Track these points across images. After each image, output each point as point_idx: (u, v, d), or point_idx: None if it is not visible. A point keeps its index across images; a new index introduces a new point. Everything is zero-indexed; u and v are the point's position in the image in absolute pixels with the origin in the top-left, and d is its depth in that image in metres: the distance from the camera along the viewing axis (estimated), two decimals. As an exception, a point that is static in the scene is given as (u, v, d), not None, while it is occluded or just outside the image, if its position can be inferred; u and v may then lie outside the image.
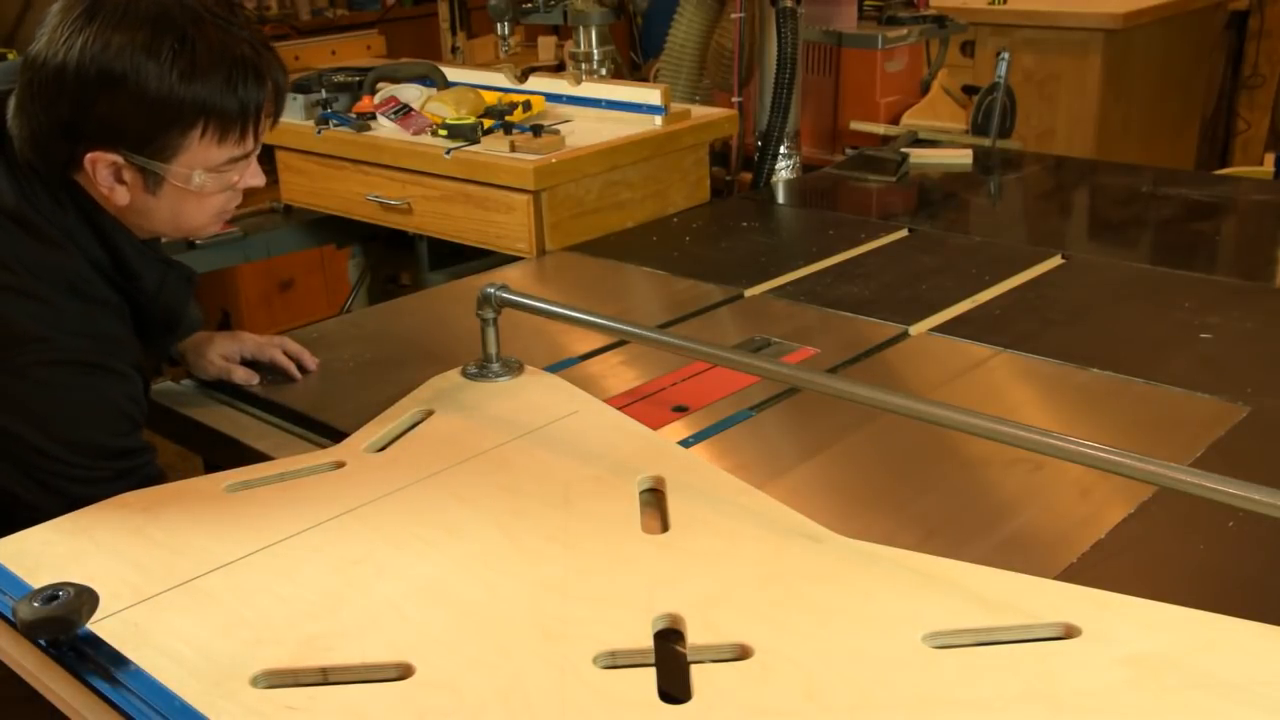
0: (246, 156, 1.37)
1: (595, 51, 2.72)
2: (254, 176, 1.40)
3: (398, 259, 2.74)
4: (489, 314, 1.49)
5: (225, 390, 1.64)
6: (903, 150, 2.65)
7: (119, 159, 1.30)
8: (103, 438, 1.34)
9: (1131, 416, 1.47)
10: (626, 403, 1.52)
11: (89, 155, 1.29)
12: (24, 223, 1.31)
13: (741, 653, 0.97)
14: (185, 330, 1.65)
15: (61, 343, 1.30)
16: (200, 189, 1.34)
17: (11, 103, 1.32)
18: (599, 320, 1.46)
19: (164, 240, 1.55)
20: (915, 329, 1.73)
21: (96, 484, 1.31)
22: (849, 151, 2.76)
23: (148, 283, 1.40)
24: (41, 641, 0.99)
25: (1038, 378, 1.59)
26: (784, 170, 2.63)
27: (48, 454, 1.30)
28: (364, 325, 1.93)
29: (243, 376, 1.63)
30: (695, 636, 0.99)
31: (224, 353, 1.65)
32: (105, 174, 1.31)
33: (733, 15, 2.57)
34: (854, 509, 1.27)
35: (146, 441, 1.40)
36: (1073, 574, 1.11)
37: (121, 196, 1.33)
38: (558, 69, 3.50)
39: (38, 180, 1.32)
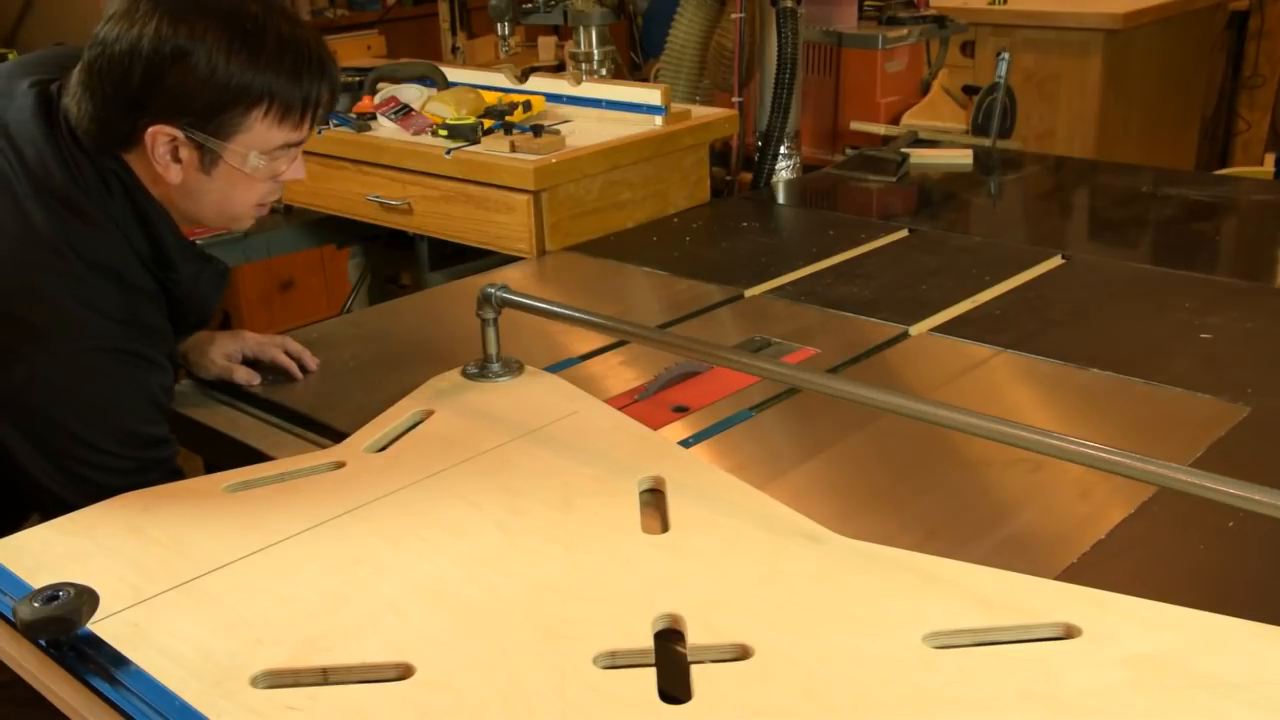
0: (297, 145, 1.40)
1: (595, 52, 2.72)
2: (298, 170, 1.44)
3: (398, 259, 2.74)
4: (489, 314, 1.49)
5: (225, 390, 1.64)
6: (903, 150, 2.65)
7: (179, 134, 1.32)
8: (137, 425, 1.35)
9: (1131, 416, 1.47)
10: (626, 403, 1.52)
11: (150, 129, 1.31)
12: (73, 206, 1.33)
13: (741, 653, 0.97)
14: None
15: (104, 329, 1.32)
16: (254, 171, 1.37)
17: (72, 81, 1.34)
18: (599, 320, 1.46)
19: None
20: (915, 329, 1.73)
21: (126, 474, 1.33)
22: (849, 151, 2.76)
23: (183, 275, 1.42)
24: (41, 642, 1.00)
25: (1038, 378, 1.59)
26: (784, 170, 2.63)
27: (83, 440, 1.31)
28: (364, 325, 1.93)
29: (244, 376, 1.63)
30: (695, 636, 0.99)
31: (226, 352, 1.65)
32: (163, 150, 1.33)
33: (733, 15, 2.57)
34: (854, 509, 1.27)
35: (170, 433, 1.42)
36: (1073, 574, 1.11)
37: (175, 175, 1.35)
38: (558, 69, 3.51)
39: (87, 163, 1.34)
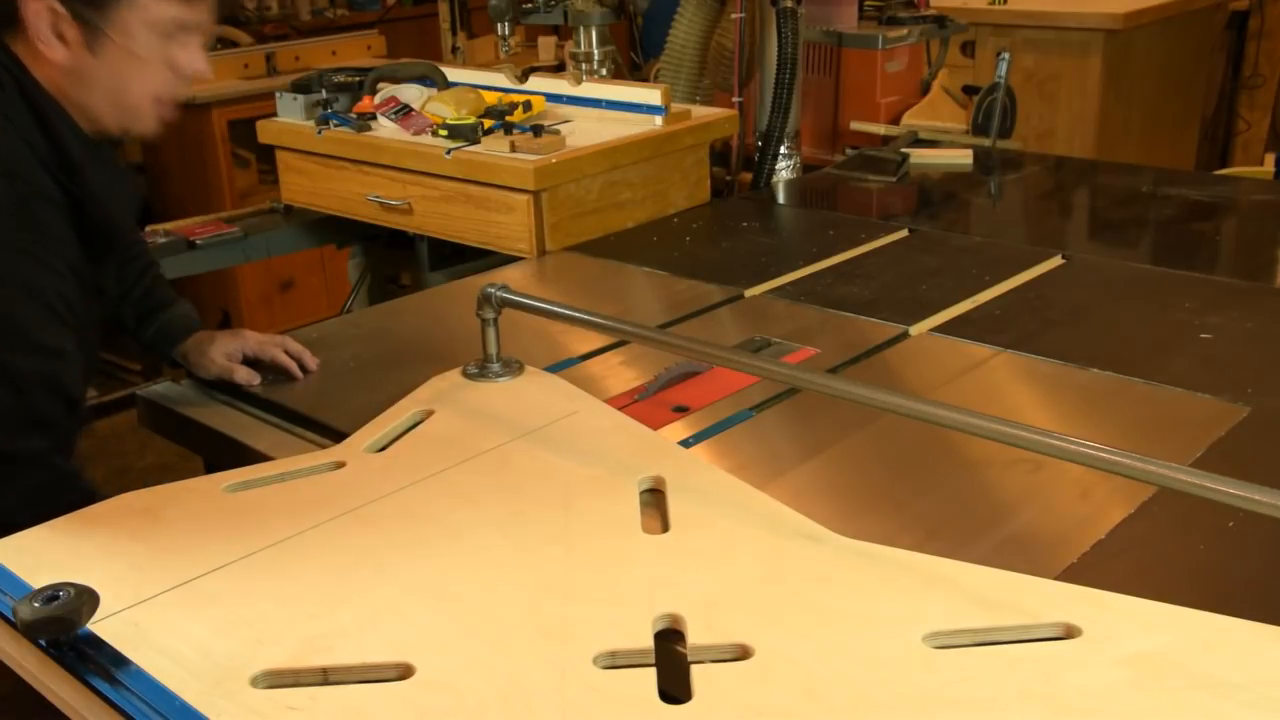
0: (191, 30, 1.35)
1: (595, 51, 2.72)
2: (199, 61, 1.38)
3: (398, 259, 2.74)
4: (489, 314, 1.49)
5: (225, 390, 1.64)
6: (903, 150, 2.65)
7: (58, 6, 1.28)
8: (25, 326, 1.31)
9: (1131, 416, 1.47)
10: (626, 403, 1.52)
11: (29, 2, 1.27)
12: None
13: (741, 653, 0.97)
14: (183, 331, 1.66)
15: None
16: (143, 50, 1.32)
17: None
18: (599, 320, 1.46)
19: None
20: (915, 329, 1.73)
21: (12, 386, 1.29)
22: (849, 151, 2.76)
23: (92, 182, 1.37)
24: (42, 642, 1.00)
25: (1038, 378, 1.59)
26: (784, 170, 2.63)
27: None
28: (364, 325, 1.93)
29: (244, 376, 1.63)
30: (695, 636, 0.99)
31: (226, 351, 1.65)
32: (44, 25, 1.29)
33: (733, 15, 2.57)
34: (854, 509, 1.27)
35: (71, 347, 1.37)
36: (1073, 574, 1.11)
37: (59, 53, 1.31)
38: (558, 69, 3.51)
39: None
